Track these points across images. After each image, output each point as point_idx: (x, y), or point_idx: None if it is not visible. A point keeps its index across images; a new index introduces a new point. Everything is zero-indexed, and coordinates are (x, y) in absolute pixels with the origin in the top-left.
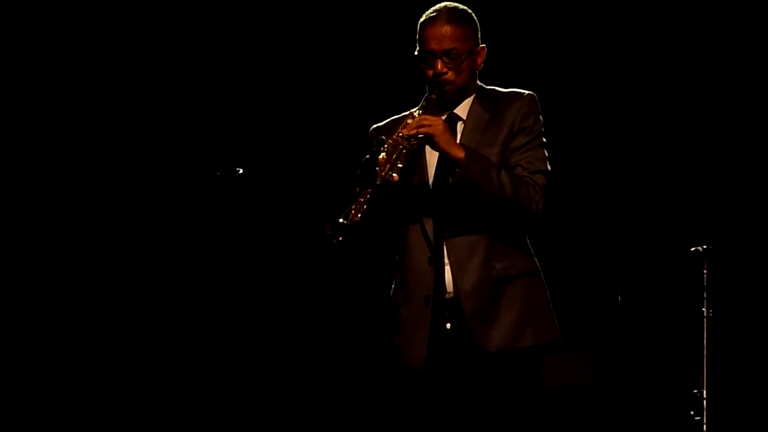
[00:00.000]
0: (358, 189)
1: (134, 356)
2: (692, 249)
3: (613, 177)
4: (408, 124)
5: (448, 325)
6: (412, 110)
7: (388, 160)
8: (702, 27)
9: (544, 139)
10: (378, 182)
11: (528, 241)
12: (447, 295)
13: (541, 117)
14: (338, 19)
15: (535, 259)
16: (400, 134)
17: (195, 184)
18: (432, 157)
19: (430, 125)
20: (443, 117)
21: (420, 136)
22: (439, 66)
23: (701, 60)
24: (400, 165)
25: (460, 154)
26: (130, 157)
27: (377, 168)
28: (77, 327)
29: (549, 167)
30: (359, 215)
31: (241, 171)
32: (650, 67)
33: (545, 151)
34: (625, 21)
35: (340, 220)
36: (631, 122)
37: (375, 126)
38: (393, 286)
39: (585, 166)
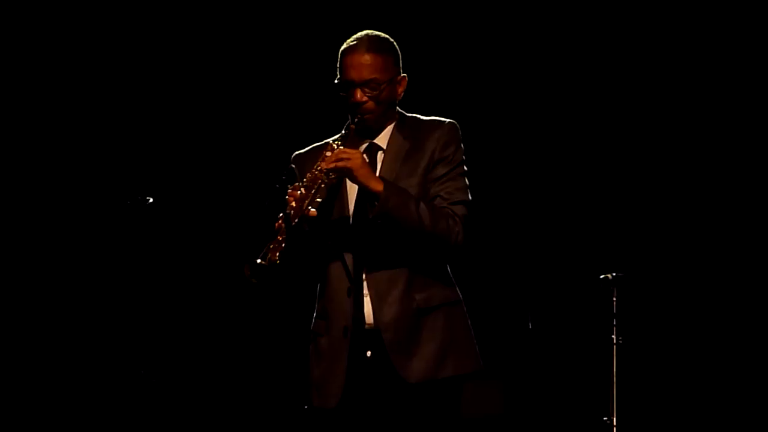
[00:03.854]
0: (277, 225)
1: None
2: (602, 276)
3: (523, 204)
4: (327, 157)
5: (369, 353)
6: (332, 139)
7: (306, 194)
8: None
9: (465, 168)
10: (296, 219)
11: (449, 271)
12: (367, 326)
13: (462, 145)
14: (254, 40)
15: (457, 289)
16: (319, 168)
17: (106, 212)
18: (352, 189)
19: (348, 158)
20: (363, 146)
21: (338, 169)
22: (359, 95)
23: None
24: (318, 199)
25: (379, 187)
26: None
27: (296, 203)
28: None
29: (469, 197)
30: (277, 254)
31: (151, 200)
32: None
33: (466, 180)
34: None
35: (259, 261)
36: (540, 148)
37: (297, 153)
38: (314, 316)
39: (497, 193)
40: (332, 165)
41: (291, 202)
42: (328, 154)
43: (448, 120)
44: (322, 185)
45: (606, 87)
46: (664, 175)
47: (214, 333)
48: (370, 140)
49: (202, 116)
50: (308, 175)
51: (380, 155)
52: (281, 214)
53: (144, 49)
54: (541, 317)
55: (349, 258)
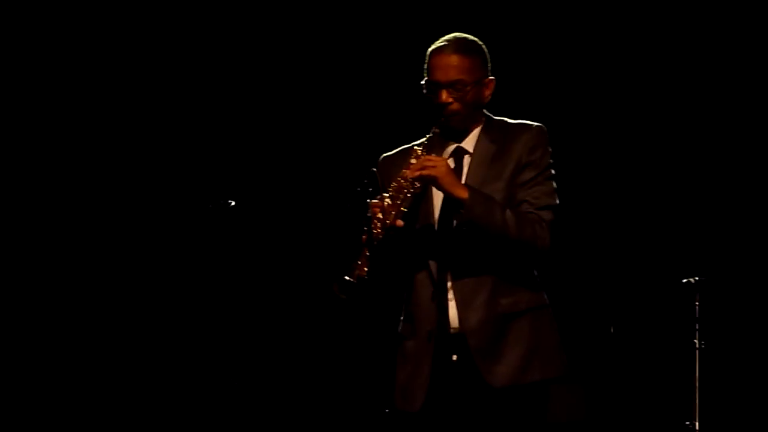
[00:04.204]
0: (364, 237)
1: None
2: (684, 281)
3: (608, 207)
4: (411, 165)
5: (455, 357)
6: (418, 143)
7: (392, 205)
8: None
9: (553, 171)
10: (383, 231)
11: (536, 276)
12: (452, 330)
13: (549, 149)
14: (342, 48)
15: (544, 294)
16: (403, 176)
17: (188, 217)
18: (437, 195)
19: (433, 166)
20: (450, 149)
21: (423, 177)
22: (444, 96)
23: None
24: (404, 209)
25: (464, 194)
26: (123, 188)
27: (382, 215)
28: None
29: (557, 200)
30: (365, 269)
31: (233, 203)
32: (638, 99)
33: (553, 184)
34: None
35: (347, 278)
36: (623, 155)
37: (384, 155)
38: (401, 319)
39: (582, 196)
40: (417, 173)
41: (377, 214)
42: (413, 161)
43: (535, 123)
44: (408, 195)
45: (693, 88)
46: (748, 178)
47: (298, 336)
48: (456, 143)
49: (287, 119)
50: (393, 184)
51: (467, 159)
52: (366, 227)
53: (230, 51)
54: (624, 321)
55: (434, 263)
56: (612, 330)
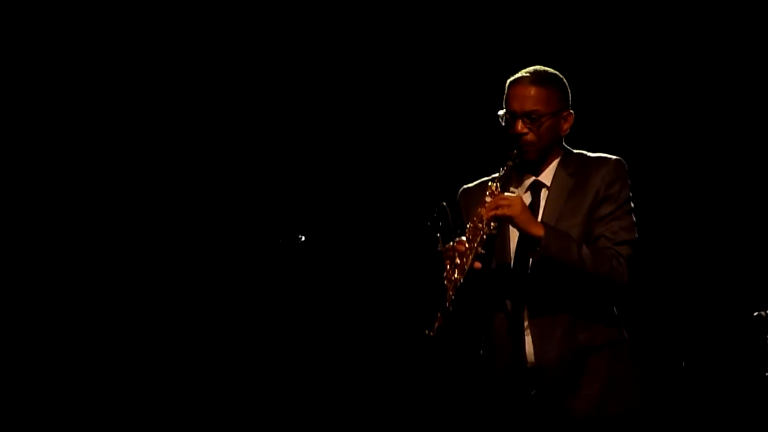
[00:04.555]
0: (446, 281)
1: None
2: (755, 314)
3: (678, 239)
4: (486, 204)
5: (533, 391)
6: (493, 177)
7: (470, 248)
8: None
9: (632, 204)
10: (462, 276)
11: (614, 311)
12: (530, 365)
13: (628, 182)
14: (413, 81)
15: (622, 329)
16: (478, 217)
17: (257, 252)
18: (513, 230)
19: (508, 205)
20: (527, 182)
21: (498, 217)
22: (519, 126)
23: None
24: (481, 251)
25: (540, 232)
26: (190, 220)
27: (460, 260)
28: None
29: (636, 234)
30: (449, 310)
31: (303, 238)
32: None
33: (632, 218)
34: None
35: (427, 332)
36: (691, 185)
37: (465, 187)
38: (480, 353)
39: (652, 228)
40: (492, 213)
41: (455, 259)
42: (488, 199)
43: (614, 157)
44: (485, 237)
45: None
46: None
47: (364, 370)
48: (533, 176)
49: (359, 153)
50: (469, 225)
51: (544, 192)
52: (445, 272)
53: (299, 85)
54: (696, 355)
55: (510, 297)
56: (683, 364)
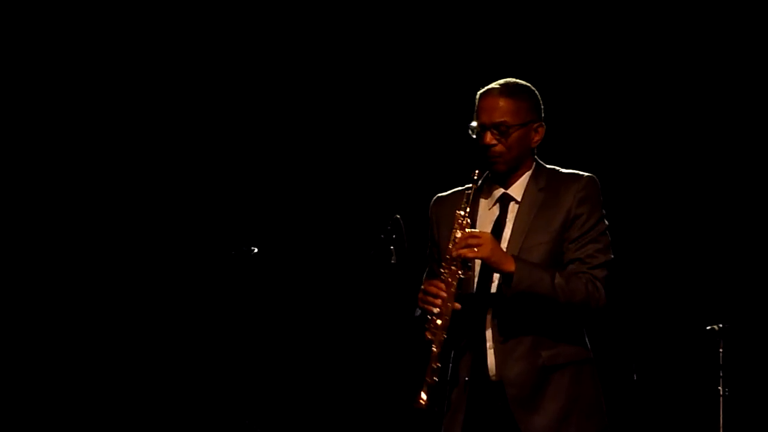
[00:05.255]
0: (428, 335)
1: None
2: (708, 327)
3: (629, 254)
4: (456, 240)
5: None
6: (465, 188)
7: (447, 293)
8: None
9: (606, 222)
10: (447, 320)
11: (583, 329)
12: (492, 378)
13: (600, 199)
14: (370, 89)
15: (587, 347)
16: (450, 256)
17: (209, 263)
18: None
19: (479, 244)
20: (497, 195)
21: (471, 258)
22: (488, 138)
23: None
24: (457, 291)
25: (511, 268)
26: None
27: (442, 307)
28: None
29: (611, 255)
30: (434, 377)
31: (256, 250)
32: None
33: (607, 238)
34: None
35: (421, 403)
36: (645, 199)
37: (438, 196)
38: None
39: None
40: (464, 253)
41: (437, 305)
42: (458, 235)
43: (586, 174)
44: (460, 275)
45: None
46: None
47: (318, 382)
48: (503, 189)
49: (312, 164)
50: (443, 264)
51: (512, 206)
52: (428, 324)
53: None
54: (647, 368)
55: (475, 312)
56: (635, 377)
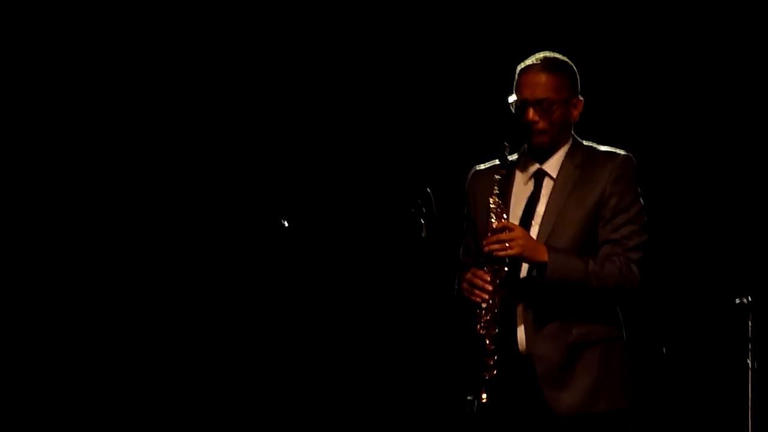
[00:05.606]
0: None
1: None
2: (737, 301)
3: (656, 229)
4: (488, 238)
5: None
6: (501, 163)
7: (493, 287)
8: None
9: (642, 202)
10: (496, 310)
11: (616, 308)
12: (522, 352)
13: (636, 177)
14: (403, 69)
15: (621, 326)
16: (488, 256)
17: (240, 237)
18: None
19: (513, 242)
20: (532, 170)
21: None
22: (531, 114)
23: None
24: (498, 285)
25: (545, 258)
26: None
27: (490, 299)
28: None
29: (646, 236)
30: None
31: (287, 224)
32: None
33: (644, 218)
34: None
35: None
36: (674, 172)
37: (477, 168)
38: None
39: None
40: (496, 251)
41: (485, 299)
42: (492, 204)
43: (622, 152)
44: (497, 270)
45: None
46: None
47: (352, 359)
48: (538, 164)
49: (344, 140)
50: (485, 270)
51: (546, 182)
52: (478, 319)
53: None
54: (676, 342)
55: (508, 288)
56: (664, 351)
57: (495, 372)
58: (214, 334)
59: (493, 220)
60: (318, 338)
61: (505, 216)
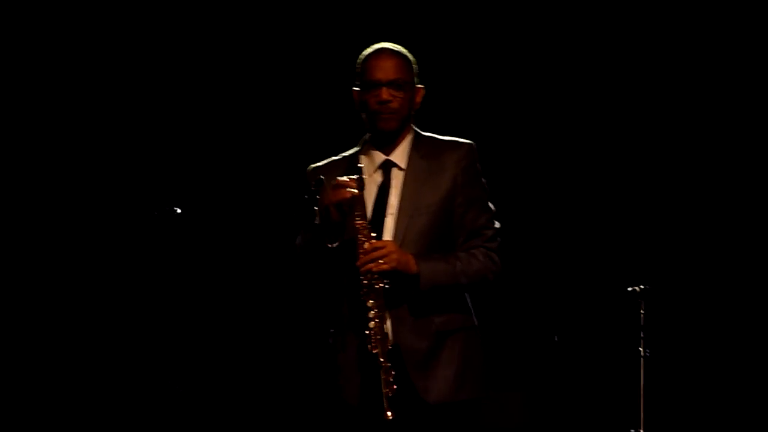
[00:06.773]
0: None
1: None
2: (629, 289)
3: (550, 216)
4: (360, 254)
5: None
6: (348, 153)
7: (378, 307)
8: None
9: (487, 187)
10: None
11: (466, 298)
12: (389, 344)
13: (479, 166)
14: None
15: (473, 315)
16: (365, 275)
17: (132, 224)
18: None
19: (386, 257)
20: (379, 161)
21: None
22: (385, 94)
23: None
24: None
25: (415, 268)
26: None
27: (373, 323)
28: None
29: (497, 223)
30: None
31: (179, 210)
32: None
33: (491, 205)
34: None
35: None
36: (566, 161)
37: (313, 165)
38: (332, 331)
39: (522, 206)
40: (372, 269)
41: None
42: (366, 245)
43: (465, 141)
44: (382, 289)
45: (634, 96)
46: (694, 186)
47: (238, 342)
48: (384, 156)
49: (229, 127)
50: (364, 282)
51: (395, 172)
52: (369, 339)
53: (167, 58)
54: (568, 330)
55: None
56: (556, 339)
57: (395, 387)
58: (110, 321)
59: (363, 239)
60: (210, 324)
61: (373, 234)
